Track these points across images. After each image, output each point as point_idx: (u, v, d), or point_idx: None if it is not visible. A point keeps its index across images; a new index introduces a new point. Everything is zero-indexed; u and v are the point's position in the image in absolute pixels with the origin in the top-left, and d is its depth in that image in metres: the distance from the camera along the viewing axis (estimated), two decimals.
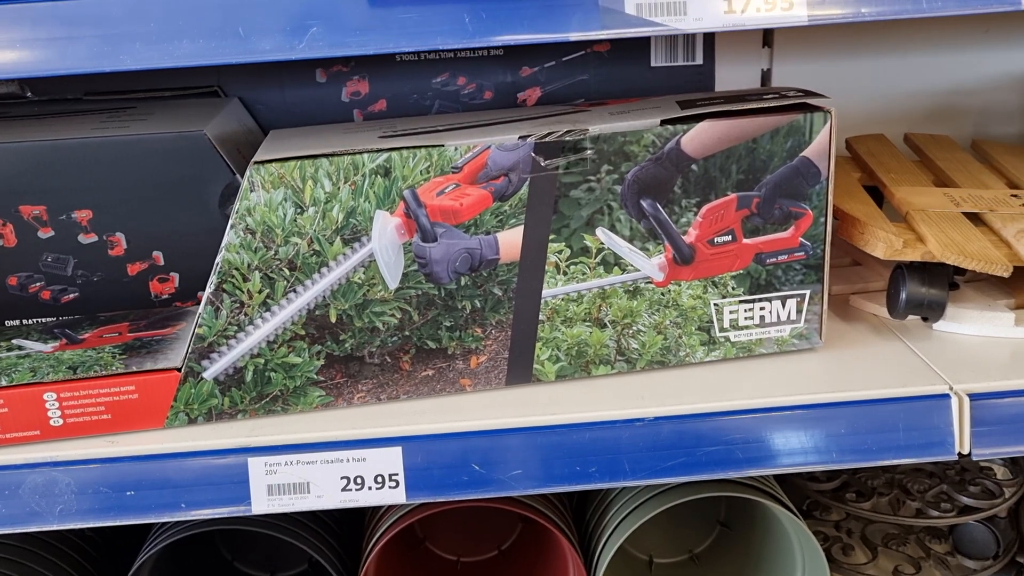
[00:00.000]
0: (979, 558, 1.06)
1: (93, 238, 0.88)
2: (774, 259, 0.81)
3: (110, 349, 0.80)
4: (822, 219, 0.80)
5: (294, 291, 0.76)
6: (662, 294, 0.81)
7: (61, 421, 0.76)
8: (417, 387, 0.80)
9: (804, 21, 0.71)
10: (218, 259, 0.74)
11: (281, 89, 1.04)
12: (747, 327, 0.83)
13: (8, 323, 0.90)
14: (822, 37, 1.15)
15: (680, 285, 0.81)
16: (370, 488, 0.76)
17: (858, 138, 1.11)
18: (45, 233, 0.88)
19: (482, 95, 1.05)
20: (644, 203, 0.78)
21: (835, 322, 0.91)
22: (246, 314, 0.76)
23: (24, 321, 0.90)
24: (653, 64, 1.06)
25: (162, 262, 0.89)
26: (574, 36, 0.70)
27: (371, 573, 0.94)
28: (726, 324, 0.82)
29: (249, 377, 0.78)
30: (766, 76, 1.14)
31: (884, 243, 0.84)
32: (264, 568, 1.11)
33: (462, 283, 0.78)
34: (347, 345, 0.78)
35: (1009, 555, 1.06)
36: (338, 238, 0.75)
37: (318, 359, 0.78)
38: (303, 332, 0.77)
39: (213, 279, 0.75)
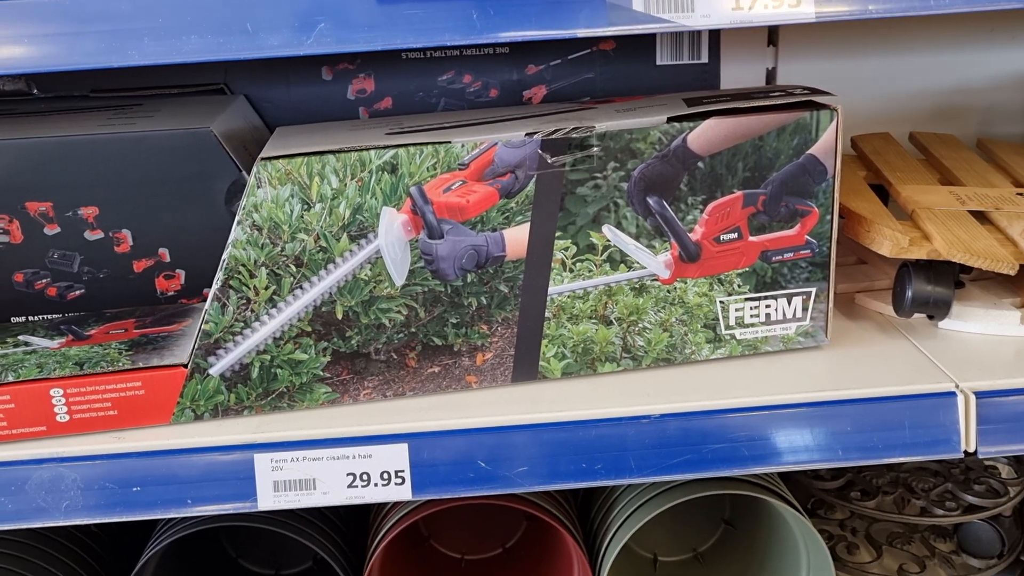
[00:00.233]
0: (984, 557, 1.06)
1: (99, 235, 0.88)
2: (780, 257, 0.81)
3: (116, 345, 0.80)
4: (828, 217, 0.80)
5: (300, 287, 0.76)
6: (668, 291, 0.81)
7: (67, 417, 0.76)
8: (423, 384, 0.80)
9: (811, 18, 0.71)
10: (225, 255, 0.74)
11: (287, 86, 1.04)
12: (753, 325, 0.83)
13: (14, 319, 0.90)
14: (827, 36, 1.15)
15: (686, 282, 0.81)
16: (376, 485, 0.76)
17: (863, 137, 1.11)
18: (51, 230, 0.88)
19: (488, 93, 1.05)
20: (650, 200, 0.78)
21: (841, 320, 0.91)
22: (252, 310, 0.76)
23: (30, 317, 0.90)
24: (659, 62, 1.06)
25: (168, 259, 0.89)
26: (582, 33, 0.70)
27: (376, 570, 0.94)
28: (732, 322, 0.82)
29: (255, 373, 0.78)
30: (771, 75, 1.14)
31: (890, 241, 0.84)
32: (269, 565, 1.11)
33: (468, 280, 0.78)
34: (353, 342, 0.78)
35: (1014, 554, 1.06)
36: (344, 234, 0.75)
37: (324, 356, 0.78)
38: (309, 329, 0.77)
39: (220, 275, 0.75)
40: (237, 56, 0.69)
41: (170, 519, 0.94)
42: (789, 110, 0.78)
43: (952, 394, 0.77)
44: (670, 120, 0.76)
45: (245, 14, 0.69)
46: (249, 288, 0.75)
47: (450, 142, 0.74)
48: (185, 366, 0.77)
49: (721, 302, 0.82)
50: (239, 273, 0.75)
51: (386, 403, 0.80)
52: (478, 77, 1.05)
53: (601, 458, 0.77)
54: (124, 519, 0.76)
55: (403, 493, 0.77)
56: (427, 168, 0.74)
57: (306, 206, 0.74)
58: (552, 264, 0.78)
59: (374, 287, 0.77)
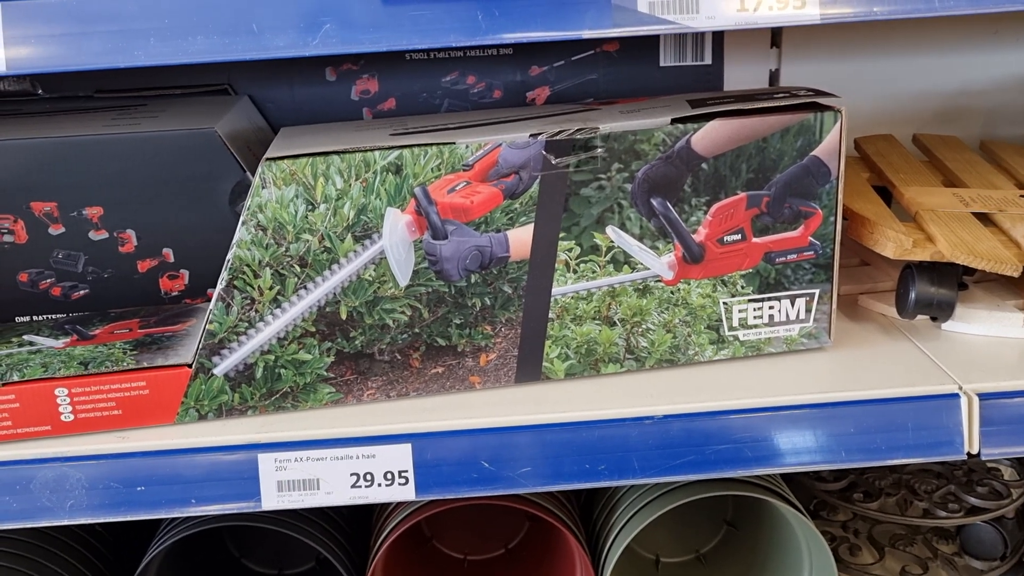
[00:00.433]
0: (986, 559, 1.06)
1: (104, 235, 0.89)
2: (783, 258, 0.81)
3: (121, 345, 0.80)
4: (832, 218, 0.81)
5: (305, 288, 0.76)
6: (671, 293, 0.81)
7: (72, 416, 0.77)
8: (427, 384, 0.80)
9: (816, 19, 0.71)
10: (229, 255, 0.75)
11: (291, 87, 1.04)
12: (756, 326, 0.83)
13: (19, 319, 0.90)
14: (830, 38, 1.15)
15: (689, 284, 0.81)
16: (379, 485, 0.77)
17: (867, 138, 1.11)
18: (56, 230, 0.88)
19: (491, 94, 1.05)
20: (654, 201, 0.78)
21: (844, 322, 0.91)
22: (257, 311, 0.76)
23: (35, 317, 0.90)
24: (662, 64, 1.06)
25: (172, 259, 0.90)
26: (587, 34, 0.70)
27: (379, 570, 0.95)
28: (735, 323, 0.82)
29: (259, 373, 0.78)
30: (774, 76, 1.14)
31: (894, 243, 0.84)
32: (272, 565, 1.11)
33: (472, 281, 0.78)
34: (357, 342, 0.78)
35: (1016, 556, 1.06)
36: (349, 235, 0.75)
37: (328, 356, 0.78)
38: (313, 329, 0.77)
39: (224, 275, 0.75)
40: (243, 57, 0.69)
41: (174, 519, 0.94)
42: (793, 112, 0.78)
43: (955, 396, 0.77)
44: (674, 121, 0.76)
45: (251, 15, 0.69)
46: (253, 288, 0.76)
47: (454, 143, 0.74)
48: (189, 366, 0.77)
49: (724, 303, 0.82)
50: (243, 273, 0.75)
51: (390, 403, 0.80)
52: (482, 78, 1.05)
53: (604, 459, 0.77)
54: (128, 519, 0.76)
55: (407, 493, 0.77)
56: (431, 169, 0.75)
57: (310, 206, 0.74)
58: (556, 265, 0.79)
59: (378, 287, 0.77)
